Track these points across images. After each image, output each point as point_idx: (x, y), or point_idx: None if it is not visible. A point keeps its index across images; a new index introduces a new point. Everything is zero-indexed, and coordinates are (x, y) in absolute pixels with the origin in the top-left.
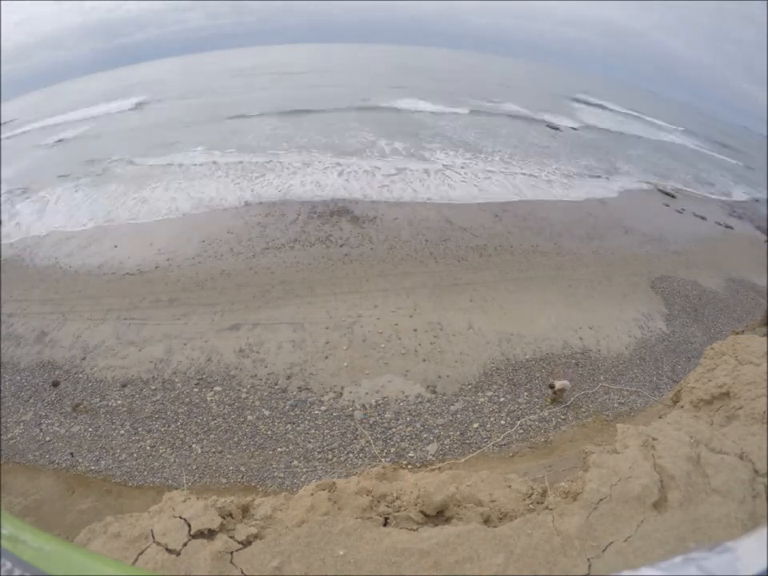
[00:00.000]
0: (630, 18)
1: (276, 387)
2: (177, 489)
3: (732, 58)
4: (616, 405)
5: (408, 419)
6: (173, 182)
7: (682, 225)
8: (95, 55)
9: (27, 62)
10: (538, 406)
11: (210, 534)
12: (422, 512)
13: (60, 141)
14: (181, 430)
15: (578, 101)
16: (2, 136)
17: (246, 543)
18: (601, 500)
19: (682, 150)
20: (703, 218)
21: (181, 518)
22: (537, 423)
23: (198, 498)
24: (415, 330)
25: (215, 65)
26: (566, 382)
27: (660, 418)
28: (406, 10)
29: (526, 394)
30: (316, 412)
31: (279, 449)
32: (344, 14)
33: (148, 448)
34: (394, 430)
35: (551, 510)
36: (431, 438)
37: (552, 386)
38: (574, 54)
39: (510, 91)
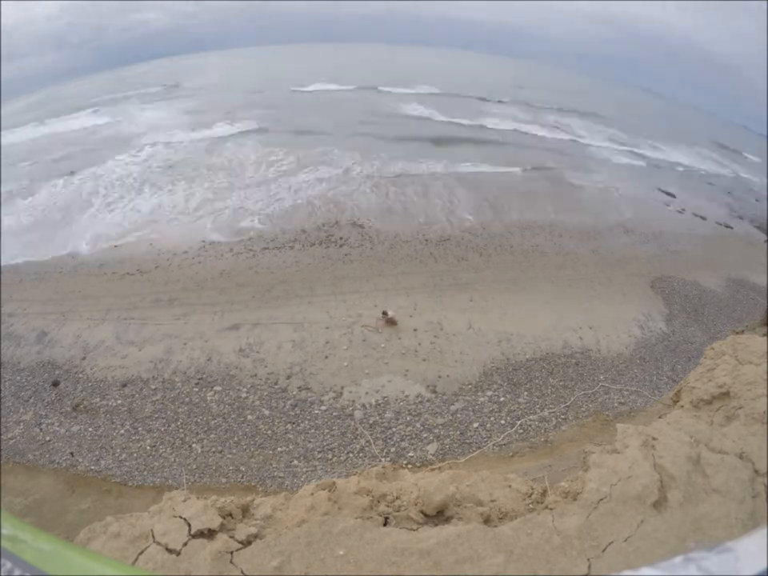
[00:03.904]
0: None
1: (276, 387)
2: (177, 488)
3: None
4: (616, 404)
5: (408, 419)
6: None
7: (682, 225)
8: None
9: None
10: (538, 406)
11: (210, 534)
12: (422, 512)
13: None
14: (181, 430)
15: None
16: None
17: (246, 543)
18: (601, 500)
19: None
20: (703, 218)
21: (181, 517)
22: (537, 423)
23: (198, 498)
24: (415, 330)
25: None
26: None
27: (660, 417)
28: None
29: (525, 393)
30: (316, 412)
31: (279, 448)
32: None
33: (148, 448)
34: (393, 429)
35: (551, 509)
36: (431, 437)
37: (384, 313)
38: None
39: None
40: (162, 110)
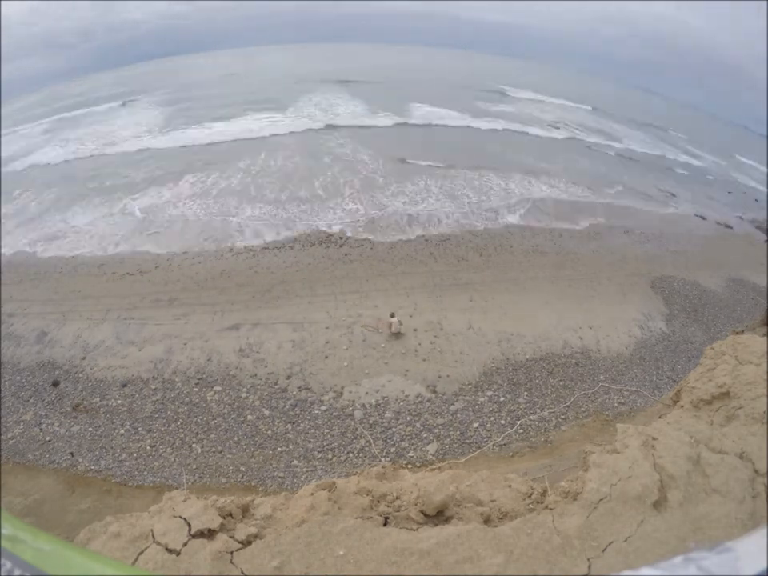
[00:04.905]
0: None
1: (276, 387)
2: (177, 488)
3: None
4: (616, 404)
5: (408, 419)
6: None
7: (682, 225)
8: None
9: None
10: (538, 406)
11: (209, 534)
12: (421, 512)
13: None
14: (181, 430)
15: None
16: None
17: (246, 543)
18: (601, 500)
19: None
20: (703, 218)
21: (181, 517)
22: (537, 423)
23: (198, 498)
24: (415, 330)
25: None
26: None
27: (660, 417)
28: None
29: (525, 393)
30: (316, 412)
31: (279, 448)
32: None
33: (148, 448)
34: (393, 429)
35: (551, 509)
36: (431, 437)
37: (392, 315)
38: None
39: None
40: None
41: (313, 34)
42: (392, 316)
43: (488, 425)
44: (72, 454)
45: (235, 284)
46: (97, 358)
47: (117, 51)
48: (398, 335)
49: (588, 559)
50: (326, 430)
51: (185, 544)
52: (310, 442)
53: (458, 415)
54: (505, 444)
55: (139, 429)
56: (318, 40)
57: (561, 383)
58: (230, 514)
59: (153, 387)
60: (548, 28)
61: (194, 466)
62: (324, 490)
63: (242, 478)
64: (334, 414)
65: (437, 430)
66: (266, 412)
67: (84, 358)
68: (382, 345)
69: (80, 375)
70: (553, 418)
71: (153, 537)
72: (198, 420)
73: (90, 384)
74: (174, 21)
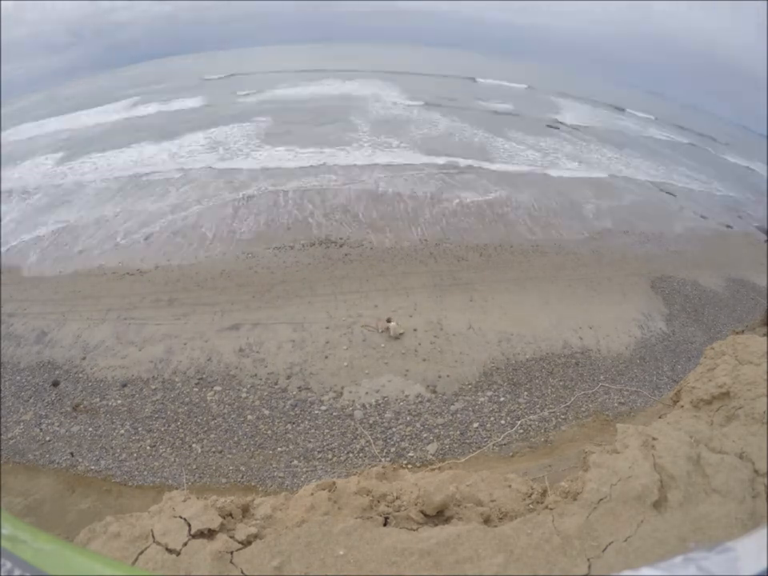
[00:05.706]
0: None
1: (276, 387)
2: (177, 488)
3: None
4: (616, 404)
5: (408, 419)
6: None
7: (682, 225)
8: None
9: None
10: (538, 406)
11: (210, 534)
12: (422, 512)
13: None
14: (181, 430)
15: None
16: None
17: (246, 543)
18: (601, 500)
19: None
20: (703, 218)
21: (181, 517)
22: (537, 423)
23: (198, 498)
24: (415, 330)
25: None
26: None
27: (660, 417)
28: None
29: (526, 393)
30: (316, 412)
31: (279, 448)
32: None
33: (148, 448)
34: (393, 429)
35: (551, 509)
36: (431, 437)
37: (389, 320)
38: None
39: None
40: None
41: (312, 33)
42: (389, 321)
43: (488, 425)
44: (72, 454)
45: (235, 284)
46: (97, 358)
47: (114, 51)
48: (397, 337)
49: (588, 559)
50: (326, 430)
51: (185, 544)
52: (309, 441)
53: (458, 415)
54: (505, 444)
55: (139, 429)
56: (317, 40)
57: (561, 383)
58: (230, 514)
59: (153, 387)
60: (549, 28)
61: (194, 466)
62: (324, 489)
63: (242, 478)
64: (334, 413)
65: (437, 430)
66: (266, 412)
67: (84, 358)
68: (382, 345)
69: (80, 375)
70: (553, 418)
71: (153, 537)
72: (198, 420)
73: (90, 384)
74: (173, 21)
